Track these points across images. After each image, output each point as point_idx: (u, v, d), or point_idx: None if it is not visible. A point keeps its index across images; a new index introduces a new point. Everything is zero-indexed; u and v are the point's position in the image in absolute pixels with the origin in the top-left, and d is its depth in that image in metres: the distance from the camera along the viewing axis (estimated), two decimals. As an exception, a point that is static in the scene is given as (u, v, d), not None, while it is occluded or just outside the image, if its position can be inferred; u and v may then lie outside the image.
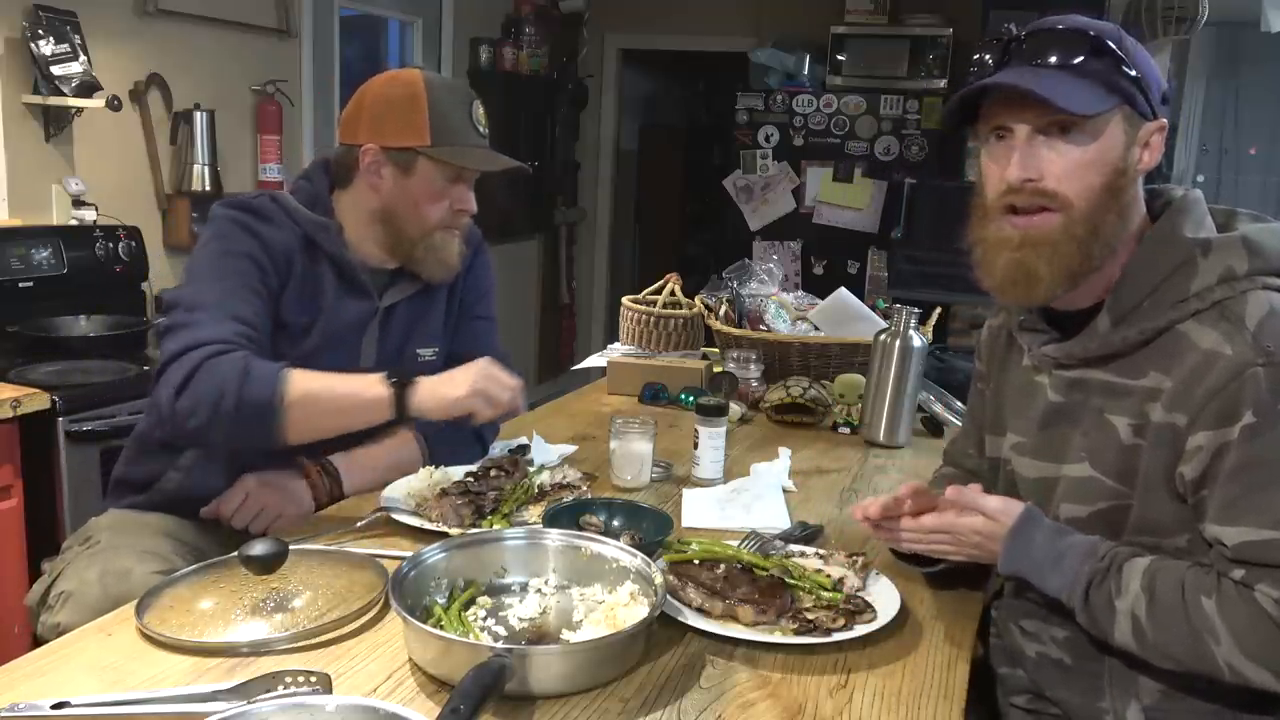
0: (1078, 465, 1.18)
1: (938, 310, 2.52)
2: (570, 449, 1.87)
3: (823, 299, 2.50)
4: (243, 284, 1.52)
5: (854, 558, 1.35)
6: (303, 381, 1.43)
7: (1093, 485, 1.17)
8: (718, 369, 2.31)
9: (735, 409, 2.18)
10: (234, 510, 1.56)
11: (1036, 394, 1.25)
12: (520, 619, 1.20)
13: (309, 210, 1.62)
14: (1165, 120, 1.13)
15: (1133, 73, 1.09)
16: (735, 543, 1.38)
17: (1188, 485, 1.08)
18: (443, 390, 1.44)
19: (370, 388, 1.44)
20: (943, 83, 4.87)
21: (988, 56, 1.18)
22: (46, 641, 1.25)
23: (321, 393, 1.44)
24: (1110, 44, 1.09)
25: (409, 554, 1.23)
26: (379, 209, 1.63)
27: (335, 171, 1.67)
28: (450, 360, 1.78)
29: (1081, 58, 1.09)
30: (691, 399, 2.25)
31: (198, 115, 3.31)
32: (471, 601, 1.22)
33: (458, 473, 1.61)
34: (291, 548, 1.26)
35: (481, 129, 1.64)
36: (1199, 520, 1.09)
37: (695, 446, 1.73)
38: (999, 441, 1.33)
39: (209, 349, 1.42)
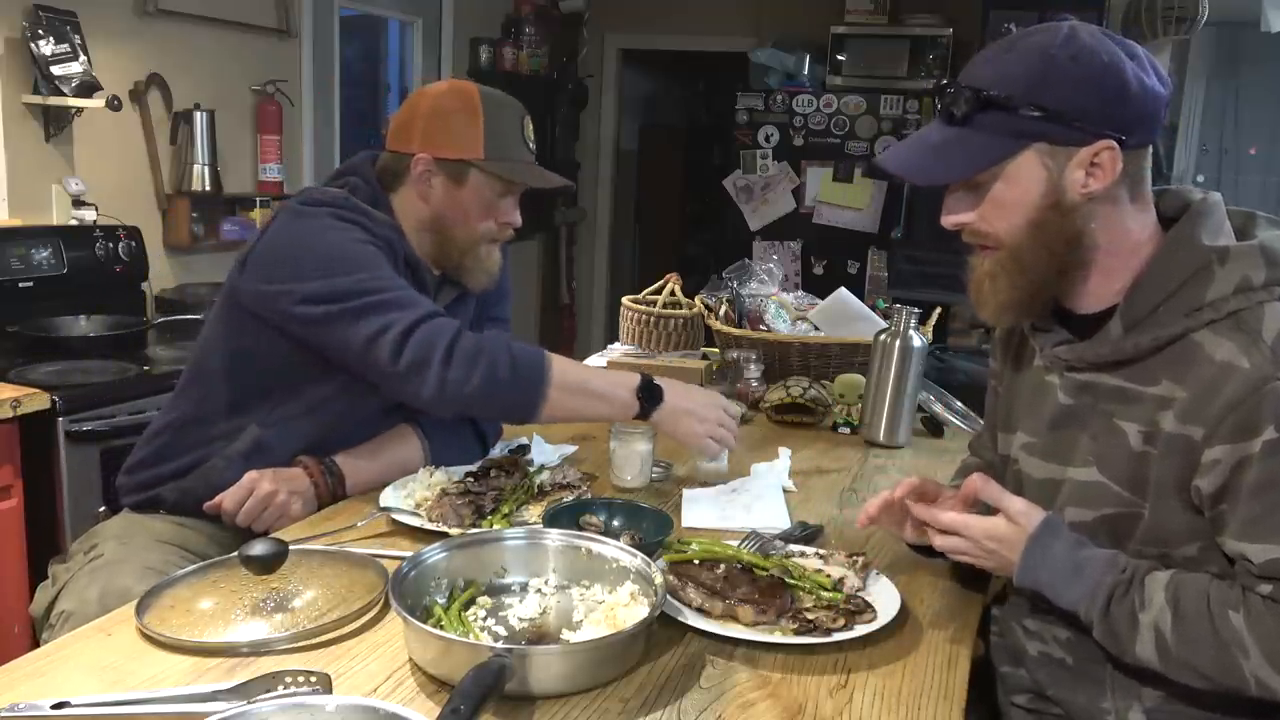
0: (1084, 469, 1.18)
1: (938, 310, 2.52)
2: (570, 449, 1.88)
3: (823, 299, 2.50)
4: (386, 265, 1.55)
5: (854, 558, 1.35)
6: (564, 366, 1.54)
7: (1100, 490, 1.16)
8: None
9: (735, 409, 2.18)
10: (239, 505, 1.55)
11: (1047, 394, 1.25)
12: (520, 619, 1.20)
13: (377, 211, 1.63)
14: (1108, 141, 1.09)
15: (1035, 113, 1.09)
16: (735, 543, 1.38)
17: (1205, 498, 1.08)
18: (685, 424, 1.60)
19: (622, 391, 1.56)
20: (943, 83, 4.86)
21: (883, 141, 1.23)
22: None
23: (581, 383, 1.56)
24: (998, 94, 1.10)
25: (409, 554, 1.23)
26: (429, 218, 1.65)
27: (381, 176, 1.67)
28: None
29: (969, 115, 1.12)
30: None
31: (198, 115, 3.31)
32: (471, 601, 1.22)
33: (458, 473, 1.61)
34: (291, 548, 1.27)
35: (531, 145, 1.68)
36: (1217, 533, 1.08)
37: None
38: (1009, 439, 1.32)
39: (454, 326, 1.50)
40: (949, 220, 1.19)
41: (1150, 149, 1.16)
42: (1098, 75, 1.08)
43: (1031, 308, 1.20)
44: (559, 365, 1.53)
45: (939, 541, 1.22)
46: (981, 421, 1.57)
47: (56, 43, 2.84)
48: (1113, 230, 1.14)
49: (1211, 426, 1.05)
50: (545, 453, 1.82)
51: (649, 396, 1.56)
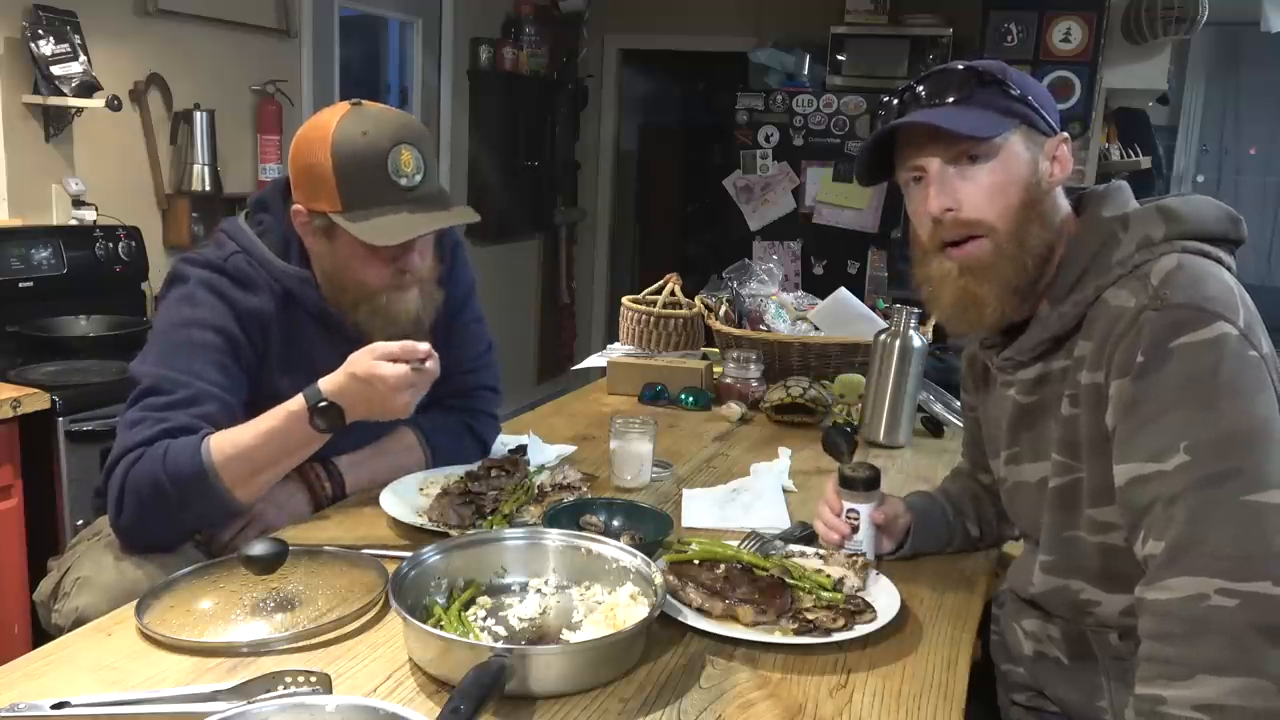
0: (1050, 458, 1.21)
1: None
2: (569, 449, 1.88)
3: (823, 299, 2.50)
4: (209, 360, 1.43)
5: (854, 558, 1.35)
6: (222, 439, 1.37)
7: (1053, 465, 1.19)
8: (832, 421, 2.12)
9: (735, 409, 2.18)
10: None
11: (1007, 403, 1.27)
12: (520, 619, 1.20)
13: (284, 261, 1.53)
14: (1066, 135, 1.21)
15: (1019, 94, 1.17)
16: (735, 543, 1.38)
17: (1112, 436, 1.10)
18: (378, 404, 1.34)
19: (293, 422, 1.36)
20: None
21: (893, 103, 1.24)
22: (60, 632, 1.25)
23: (248, 442, 1.37)
24: (994, 75, 1.18)
25: (409, 554, 1.23)
26: (325, 270, 1.53)
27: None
28: (446, 370, 1.77)
29: (970, 91, 1.17)
30: (691, 399, 2.26)
31: (198, 115, 3.31)
32: (471, 601, 1.22)
33: (458, 473, 1.61)
34: (291, 548, 1.27)
35: (406, 180, 1.45)
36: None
37: (854, 529, 1.40)
38: (996, 462, 1.34)
39: (130, 458, 1.36)
40: (937, 206, 1.17)
41: None
42: (1039, 85, 1.21)
43: (1022, 296, 1.19)
44: (221, 457, 1.36)
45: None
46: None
47: (56, 43, 2.84)
48: (1048, 226, 1.19)
49: (1106, 366, 1.09)
50: (542, 453, 1.82)
51: (322, 413, 1.36)
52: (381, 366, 1.32)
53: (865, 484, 1.39)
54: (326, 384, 1.36)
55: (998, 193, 1.16)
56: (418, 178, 1.47)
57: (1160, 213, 1.14)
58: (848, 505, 1.39)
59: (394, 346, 1.34)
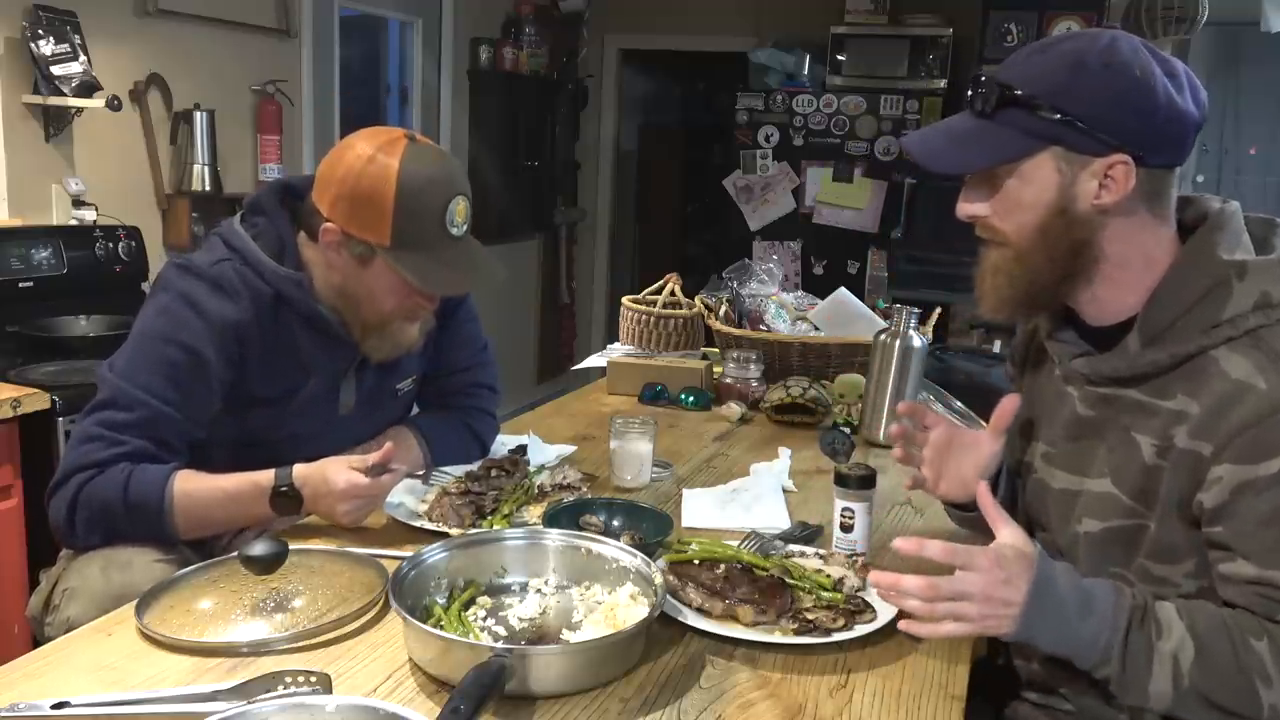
0: (1099, 480, 1.17)
1: (938, 310, 2.52)
2: (569, 449, 1.87)
3: (823, 299, 2.50)
4: (171, 378, 1.45)
5: (854, 558, 1.35)
6: (186, 491, 1.42)
7: (1111, 502, 1.16)
8: (832, 422, 2.12)
9: (735, 408, 2.18)
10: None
11: (1065, 405, 1.24)
12: (520, 619, 1.20)
13: (277, 263, 1.53)
14: (1124, 155, 1.08)
15: (1055, 116, 1.09)
16: (735, 543, 1.38)
17: (1205, 513, 1.07)
18: (325, 508, 1.42)
19: (257, 506, 1.42)
20: (943, 83, 4.86)
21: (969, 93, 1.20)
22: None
23: (207, 507, 1.43)
24: (1022, 92, 1.10)
25: (409, 554, 1.23)
26: (338, 285, 1.54)
27: (302, 217, 1.55)
28: (443, 370, 1.79)
29: (992, 108, 1.13)
30: (691, 399, 2.26)
31: (198, 115, 3.31)
32: (471, 601, 1.22)
33: (458, 473, 1.61)
34: (291, 548, 1.27)
35: (456, 230, 1.49)
36: (1213, 553, 1.07)
37: (846, 530, 1.43)
38: (1030, 446, 1.32)
39: (82, 475, 1.42)
40: (963, 210, 1.19)
41: (1176, 172, 1.14)
42: (1125, 88, 1.07)
43: (1029, 308, 1.21)
44: (182, 501, 1.42)
45: (915, 606, 1.09)
46: (983, 423, 1.57)
47: (56, 43, 2.84)
48: (1124, 244, 1.13)
49: (1221, 443, 1.04)
50: (543, 453, 1.82)
51: (283, 497, 1.42)
52: (339, 475, 1.39)
53: (859, 482, 1.41)
54: (299, 470, 1.42)
55: (1014, 210, 1.14)
56: (465, 228, 1.52)
57: None
58: (842, 504, 1.42)
59: (356, 459, 1.41)
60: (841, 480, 1.42)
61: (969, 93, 1.16)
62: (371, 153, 1.46)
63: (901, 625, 1.11)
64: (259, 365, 1.53)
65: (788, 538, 1.47)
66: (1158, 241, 1.14)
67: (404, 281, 1.49)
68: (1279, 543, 1.02)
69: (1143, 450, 1.12)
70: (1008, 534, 1.11)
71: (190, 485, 1.43)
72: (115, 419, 1.44)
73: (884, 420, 2.01)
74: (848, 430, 1.91)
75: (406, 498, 1.55)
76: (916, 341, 2.00)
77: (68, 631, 1.31)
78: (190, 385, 1.47)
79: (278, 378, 1.55)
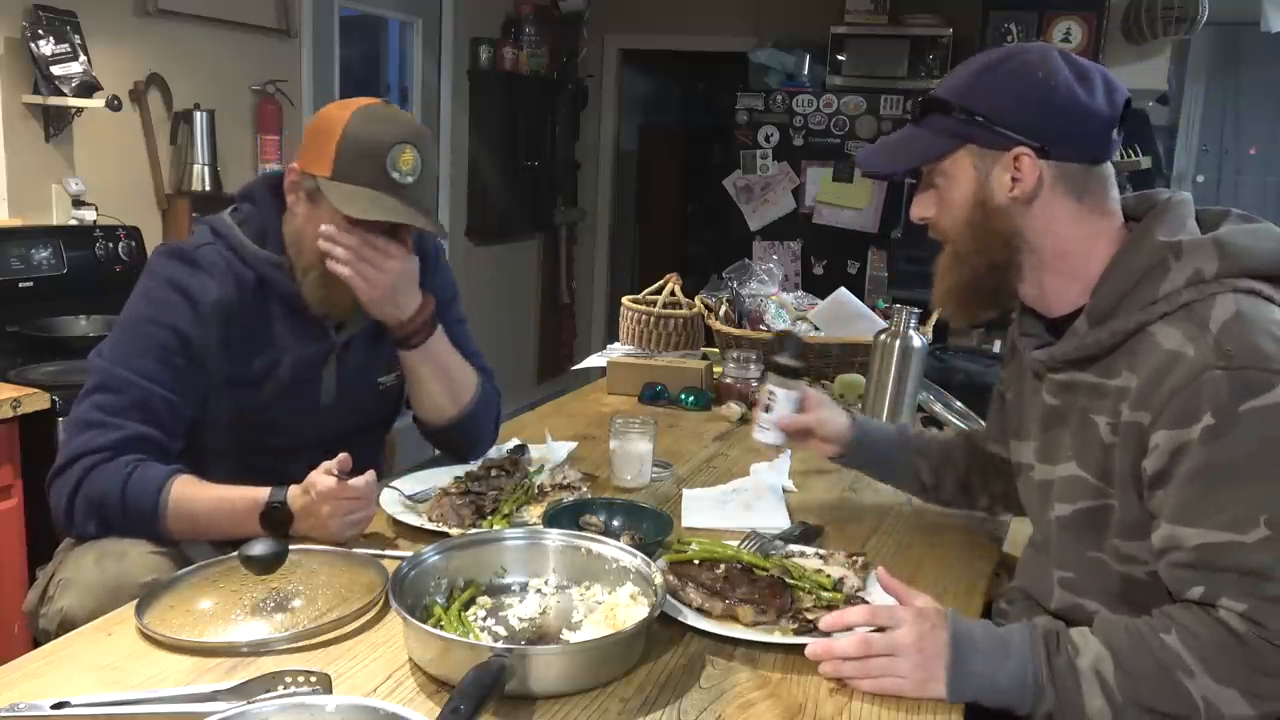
0: (1067, 465, 1.21)
1: (938, 310, 2.52)
2: (571, 445, 1.86)
3: (823, 299, 2.50)
4: (160, 359, 1.48)
5: (854, 558, 1.35)
6: (181, 500, 1.43)
7: (1077, 484, 1.19)
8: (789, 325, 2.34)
9: (735, 408, 2.18)
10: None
11: (1037, 399, 1.28)
12: (520, 619, 1.20)
13: (259, 246, 1.56)
14: (1023, 149, 1.17)
15: (963, 116, 1.20)
16: (735, 543, 1.38)
17: (1147, 481, 1.09)
18: (319, 526, 1.39)
19: (248, 522, 1.41)
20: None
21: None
22: (49, 637, 1.25)
23: (196, 516, 1.44)
24: (940, 98, 1.22)
25: (409, 554, 1.23)
26: (295, 230, 1.56)
27: (280, 195, 1.60)
28: None
29: (921, 115, 1.26)
30: (691, 399, 2.26)
31: (198, 115, 3.31)
32: (471, 601, 1.22)
33: (457, 472, 1.61)
34: (291, 548, 1.27)
35: (399, 176, 1.49)
36: (1153, 519, 1.09)
37: (767, 409, 1.54)
38: (1022, 447, 1.34)
39: (88, 460, 1.44)
40: (914, 214, 1.30)
41: (1106, 168, 1.21)
42: (1024, 86, 1.17)
43: (973, 303, 1.28)
44: (176, 506, 1.43)
45: (849, 670, 1.11)
46: (982, 422, 1.59)
47: (56, 43, 2.84)
48: (1054, 235, 1.20)
49: (1156, 412, 1.07)
50: (556, 452, 1.80)
51: (273, 514, 1.41)
52: (318, 479, 1.37)
53: (790, 372, 1.54)
54: (292, 488, 1.41)
55: (948, 207, 1.24)
56: (410, 179, 1.51)
57: (1216, 247, 1.11)
58: (769, 387, 1.55)
59: (330, 464, 1.39)
60: (775, 368, 1.55)
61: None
62: (343, 102, 1.55)
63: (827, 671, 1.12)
64: (240, 345, 1.55)
65: (788, 538, 1.47)
66: (1097, 232, 1.20)
67: (344, 223, 1.49)
68: (1194, 501, 1.04)
69: (1100, 430, 1.15)
70: (920, 600, 1.17)
71: (186, 492, 1.44)
72: (110, 403, 1.47)
73: (884, 420, 2.01)
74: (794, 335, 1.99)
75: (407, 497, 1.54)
76: (916, 341, 2.00)
77: (62, 622, 1.32)
78: (179, 366, 1.50)
79: (254, 358, 1.57)
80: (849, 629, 1.13)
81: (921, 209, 1.29)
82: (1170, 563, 1.07)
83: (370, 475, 1.39)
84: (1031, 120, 1.17)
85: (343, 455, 1.39)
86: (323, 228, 1.50)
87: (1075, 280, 1.20)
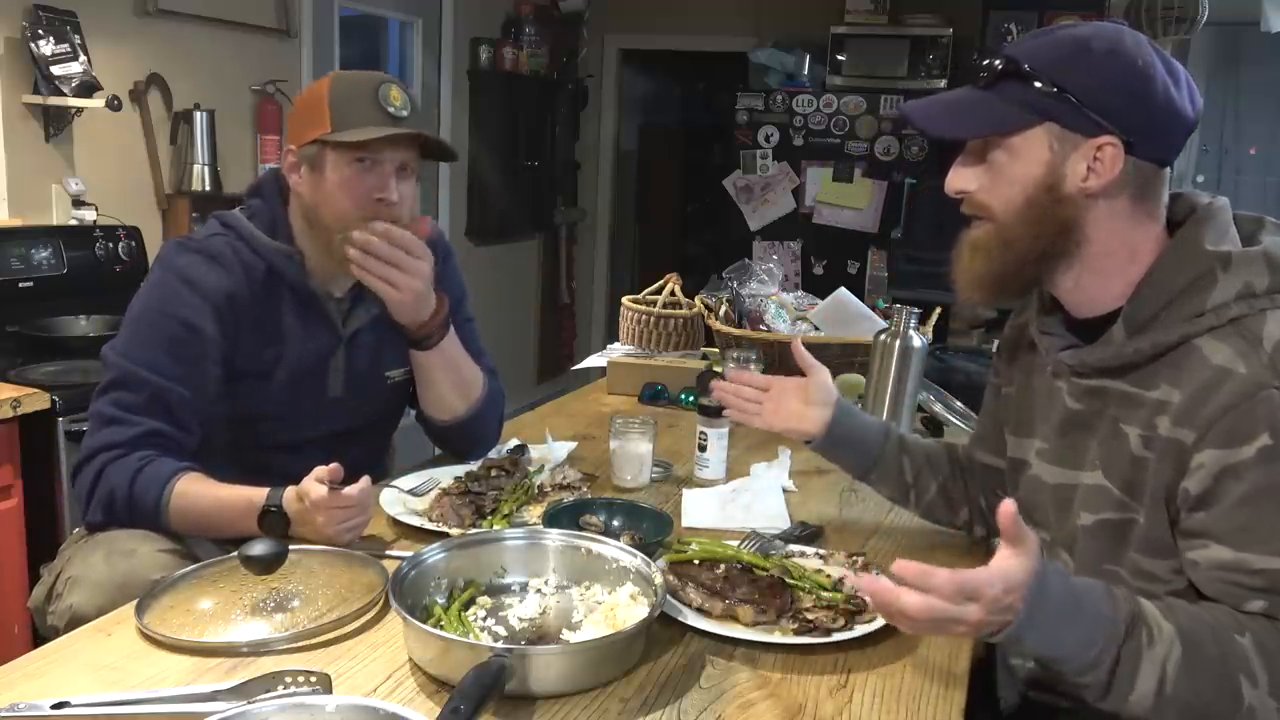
0: (1093, 473, 1.17)
1: (938, 310, 2.52)
2: (571, 445, 1.87)
3: (823, 299, 2.50)
4: (172, 352, 1.50)
5: (854, 558, 1.35)
6: (183, 501, 1.45)
7: (1102, 494, 1.15)
8: (716, 366, 2.29)
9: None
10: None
11: (1056, 399, 1.24)
12: (520, 619, 1.20)
13: (270, 237, 1.59)
14: (1113, 138, 1.08)
15: (1053, 89, 1.09)
16: (735, 543, 1.38)
17: (1189, 500, 1.06)
18: (313, 531, 1.38)
19: (247, 521, 1.42)
20: (943, 83, 4.87)
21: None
22: (56, 635, 1.25)
23: (201, 516, 1.46)
24: (1025, 65, 1.11)
25: (409, 554, 1.23)
26: (303, 211, 1.58)
27: (285, 189, 1.62)
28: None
29: (993, 80, 1.13)
30: (691, 399, 2.26)
31: (198, 115, 3.31)
32: (471, 601, 1.22)
33: (458, 472, 1.61)
34: (291, 548, 1.27)
35: (393, 109, 1.53)
36: (1190, 538, 1.06)
37: (702, 449, 1.73)
38: (1024, 444, 1.31)
39: (106, 455, 1.47)
40: (952, 184, 1.19)
41: (1167, 172, 1.15)
42: (1124, 73, 1.08)
43: (1005, 289, 1.19)
44: (178, 502, 1.45)
45: (905, 626, 1.01)
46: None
47: (56, 43, 2.84)
48: (1108, 232, 1.13)
49: (1202, 429, 1.04)
50: (557, 451, 1.80)
51: (270, 517, 1.40)
52: (311, 488, 1.36)
53: (715, 411, 1.66)
54: (288, 490, 1.41)
55: (1003, 184, 1.14)
56: (405, 112, 1.55)
57: (1267, 261, 1.07)
58: (700, 429, 1.72)
59: (322, 471, 1.37)
60: (702, 410, 1.71)
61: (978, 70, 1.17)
62: (314, 82, 1.60)
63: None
64: (249, 336, 1.56)
65: (788, 538, 1.47)
66: (1145, 236, 1.14)
67: (355, 172, 1.51)
68: (1256, 524, 1.01)
69: (1130, 441, 1.12)
70: (1027, 548, 0.98)
71: (189, 489, 1.45)
72: (126, 399, 1.49)
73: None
74: (719, 370, 2.07)
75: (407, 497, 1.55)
76: (916, 341, 1.99)
77: (72, 619, 1.32)
78: (191, 358, 1.51)
79: (263, 350, 1.57)
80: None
81: (963, 181, 1.18)
82: (1229, 581, 1.03)
83: (365, 482, 1.38)
84: (1127, 110, 1.08)
85: (334, 466, 1.37)
86: (354, 234, 1.50)
87: (1115, 281, 1.14)
